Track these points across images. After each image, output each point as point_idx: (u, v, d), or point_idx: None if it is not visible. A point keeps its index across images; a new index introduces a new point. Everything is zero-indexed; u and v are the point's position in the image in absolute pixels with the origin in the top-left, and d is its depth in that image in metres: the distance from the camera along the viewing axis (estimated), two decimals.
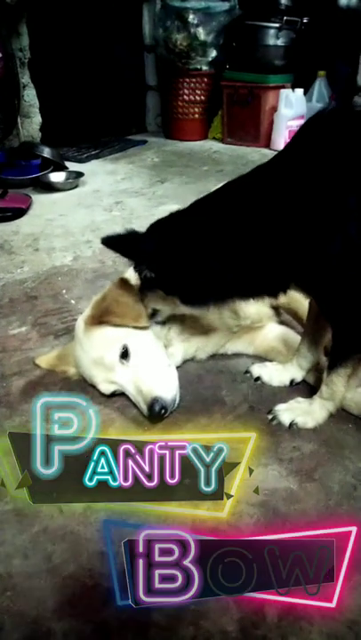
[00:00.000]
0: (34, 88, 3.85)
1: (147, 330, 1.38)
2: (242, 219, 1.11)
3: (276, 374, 1.45)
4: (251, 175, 1.16)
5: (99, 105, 4.44)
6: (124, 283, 1.39)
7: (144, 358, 1.33)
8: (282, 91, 4.04)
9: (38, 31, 3.80)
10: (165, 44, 4.30)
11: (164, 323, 1.43)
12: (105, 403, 1.40)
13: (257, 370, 1.48)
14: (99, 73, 4.38)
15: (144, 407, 1.28)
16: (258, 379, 1.47)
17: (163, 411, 1.26)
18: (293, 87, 4.07)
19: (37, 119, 3.89)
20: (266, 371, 1.47)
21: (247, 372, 1.49)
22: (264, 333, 1.58)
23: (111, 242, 1.19)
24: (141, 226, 1.27)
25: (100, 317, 1.35)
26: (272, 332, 1.58)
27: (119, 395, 1.38)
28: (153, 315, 1.37)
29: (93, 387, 1.39)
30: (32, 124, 3.87)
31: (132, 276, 1.36)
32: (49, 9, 3.86)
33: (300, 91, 4.07)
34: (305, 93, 4.14)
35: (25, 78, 3.78)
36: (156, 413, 1.25)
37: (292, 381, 1.44)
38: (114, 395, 1.38)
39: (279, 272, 1.13)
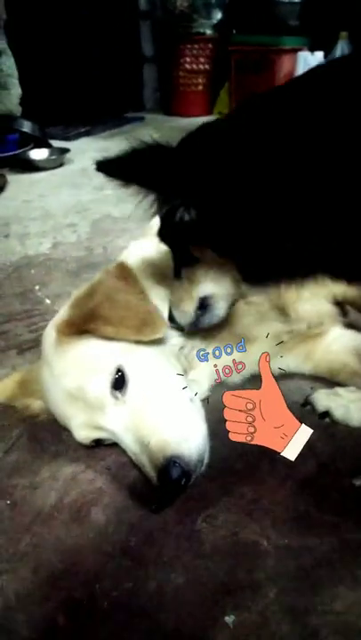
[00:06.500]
0: (12, 56, 3.32)
1: (155, 345, 0.86)
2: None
3: (357, 408, 0.92)
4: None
5: (89, 79, 3.91)
6: (122, 270, 0.95)
7: (151, 390, 0.82)
8: (300, 54, 3.52)
9: None
10: (164, 6, 3.80)
11: (182, 330, 0.92)
12: (87, 460, 0.88)
13: (324, 400, 0.96)
14: (88, 44, 3.85)
15: (152, 473, 0.75)
16: (325, 414, 0.94)
17: (184, 479, 0.73)
18: (312, 50, 3.54)
19: (16, 91, 3.35)
20: (339, 402, 0.94)
21: (307, 403, 0.97)
22: (327, 343, 1.06)
23: (113, 166, 0.68)
24: None
25: (84, 324, 0.84)
26: (339, 341, 1.06)
27: (108, 446, 0.86)
28: (172, 319, 0.86)
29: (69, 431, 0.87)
30: (10, 97, 3.33)
31: (134, 260, 0.94)
32: None
33: (319, 54, 3.54)
34: (325, 57, 3.61)
35: (1, 43, 3.25)
36: (173, 480, 0.73)
37: None
38: (98, 444, 0.86)
39: None
